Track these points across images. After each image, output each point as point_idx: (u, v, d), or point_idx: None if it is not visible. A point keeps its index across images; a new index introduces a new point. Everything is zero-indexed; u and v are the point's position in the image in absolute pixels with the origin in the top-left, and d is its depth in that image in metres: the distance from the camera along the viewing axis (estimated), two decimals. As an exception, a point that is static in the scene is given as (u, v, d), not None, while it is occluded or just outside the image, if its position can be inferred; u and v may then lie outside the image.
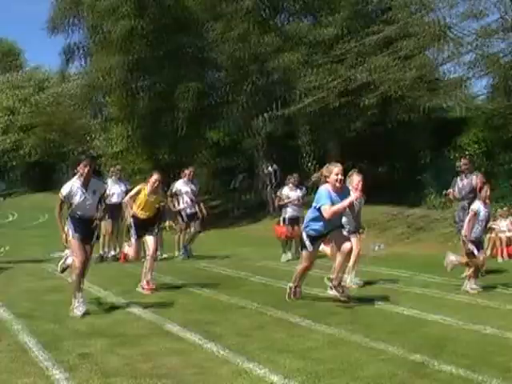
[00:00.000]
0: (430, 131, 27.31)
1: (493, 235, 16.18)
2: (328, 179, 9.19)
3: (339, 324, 7.87)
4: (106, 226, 15.14)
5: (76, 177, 8.97)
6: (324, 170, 9.37)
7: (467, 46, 23.42)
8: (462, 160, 13.76)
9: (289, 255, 16.18)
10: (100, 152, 40.50)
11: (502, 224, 16.72)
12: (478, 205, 10.89)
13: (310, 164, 27.97)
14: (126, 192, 14.62)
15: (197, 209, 16.33)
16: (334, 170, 9.19)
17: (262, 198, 29.32)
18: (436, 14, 23.48)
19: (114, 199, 15.33)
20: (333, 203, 9.02)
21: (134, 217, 10.79)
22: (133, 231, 10.83)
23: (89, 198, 8.86)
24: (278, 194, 17.15)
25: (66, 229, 8.90)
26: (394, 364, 6.10)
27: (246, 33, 26.89)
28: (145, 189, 10.92)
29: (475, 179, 12.92)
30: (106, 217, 14.01)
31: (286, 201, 16.40)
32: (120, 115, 31.33)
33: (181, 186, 16.31)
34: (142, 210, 10.84)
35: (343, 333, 7.40)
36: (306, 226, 9.44)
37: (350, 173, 11.05)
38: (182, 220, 16.32)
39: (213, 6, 27.55)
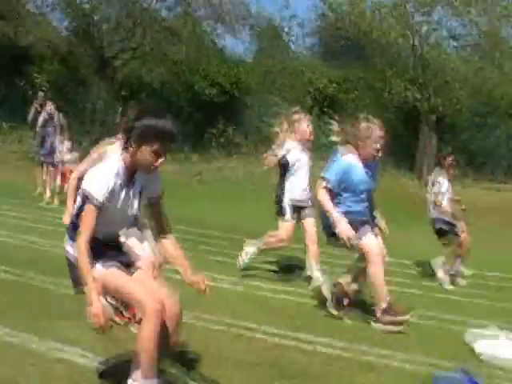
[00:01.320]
0: None
1: None
2: (360, 142, 6.02)
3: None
4: None
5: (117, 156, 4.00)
6: (361, 128, 6.05)
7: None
8: None
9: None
10: None
11: None
12: None
13: None
14: None
15: None
16: (377, 133, 6.03)
17: None
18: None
19: None
20: (355, 180, 6.11)
21: None
22: None
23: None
24: None
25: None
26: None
27: None
28: None
29: None
30: None
31: None
32: None
33: None
34: None
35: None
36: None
37: (297, 116, 7.48)
38: None
39: None
